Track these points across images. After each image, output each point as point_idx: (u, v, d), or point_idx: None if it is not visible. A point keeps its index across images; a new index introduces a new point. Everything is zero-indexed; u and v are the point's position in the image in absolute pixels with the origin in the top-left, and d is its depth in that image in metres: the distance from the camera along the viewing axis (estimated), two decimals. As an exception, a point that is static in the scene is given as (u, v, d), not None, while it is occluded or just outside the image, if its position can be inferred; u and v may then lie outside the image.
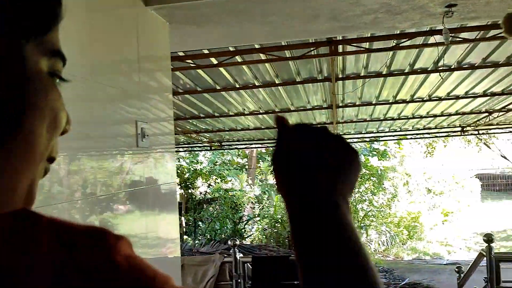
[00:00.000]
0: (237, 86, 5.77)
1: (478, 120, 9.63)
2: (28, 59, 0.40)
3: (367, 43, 4.03)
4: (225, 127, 9.30)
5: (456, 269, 4.68)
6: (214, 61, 4.35)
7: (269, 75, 5.41)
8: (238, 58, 4.31)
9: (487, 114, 8.68)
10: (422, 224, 16.81)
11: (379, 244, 13.57)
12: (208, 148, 12.39)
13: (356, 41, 3.92)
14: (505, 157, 15.40)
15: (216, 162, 14.58)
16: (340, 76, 5.56)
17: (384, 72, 5.45)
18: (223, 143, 11.81)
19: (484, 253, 3.60)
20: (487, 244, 3.58)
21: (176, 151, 13.26)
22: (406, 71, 5.41)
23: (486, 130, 11.85)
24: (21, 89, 0.40)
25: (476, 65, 5.24)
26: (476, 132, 11.53)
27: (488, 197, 25.05)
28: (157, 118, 2.60)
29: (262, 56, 4.19)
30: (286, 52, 4.21)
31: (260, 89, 6.10)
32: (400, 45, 3.89)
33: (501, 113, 8.54)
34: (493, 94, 6.88)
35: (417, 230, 16.09)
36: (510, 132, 12.64)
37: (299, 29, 3.05)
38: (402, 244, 14.64)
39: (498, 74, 5.79)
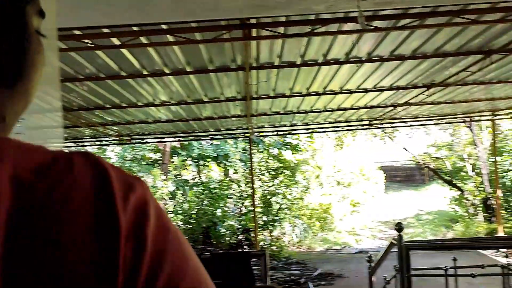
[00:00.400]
0: (145, 73, 5.34)
1: (384, 114, 10.09)
2: (28, 20, 0.49)
3: (282, 28, 3.86)
4: (135, 119, 8.73)
5: (367, 258, 4.69)
6: (116, 41, 3.90)
7: (180, 62, 5.05)
8: (144, 40, 3.91)
9: (392, 108, 9.10)
10: (332, 215, 17.44)
11: (292, 237, 13.78)
12: (117, 142, 11.64)
13: (271, 26, 3.73)
14: (406, 149, 16.48)
15: (126, 157, 13.79)
16: (254, 65, 5.37)
17: (298, 62, 5.36)
18: (133, 137, 11.15)
19: (395, 242, 3.61)
20: (398, 233, 3.58)
21: (81, 146, 12.29)
22: (319, 61, 5.37)
23: (390, 124, 12.52)
24: (26, 45, 0.49)
25: (384, 57, 5.35)
26: (382, 126, 12.13)
27: (390, 188, 26.82)
28: (39, 109, 2.16)
29: (171, 38, 3.84)
30: (196, 35, 3.90)
31: (172, 78, 5.73)
32: (315, 31, 3.76)
33: (404, 107, 9.00)
34: (399, 88, 7.17)
35: (328, 221, 16.66)
36: (412, 125, 13.50)
37: (209, 5, 2.76)
38: (314, 235, 15.04)
39: (404, 68, 5.99)
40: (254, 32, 3.89)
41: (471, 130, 13.74)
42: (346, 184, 20.67)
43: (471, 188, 13.88)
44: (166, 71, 5.30)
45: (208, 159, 13.27)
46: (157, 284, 0.42)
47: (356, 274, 9.62)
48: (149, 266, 0.42)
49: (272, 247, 12.28)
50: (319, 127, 11.79)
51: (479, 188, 13.66)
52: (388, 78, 6.53)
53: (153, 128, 10.07)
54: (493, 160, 12.14)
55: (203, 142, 13.39)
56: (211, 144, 13.49)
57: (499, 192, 11.74)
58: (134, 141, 11.65)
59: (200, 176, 14.57)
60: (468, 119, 12.66)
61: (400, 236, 3.57)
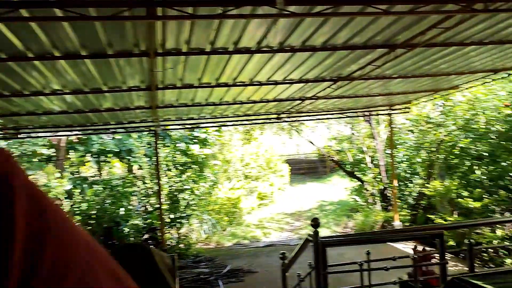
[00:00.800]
0: (30, 55, 4.61)
1: (291, 108, 10.15)
2: None
3: (191, 8, 3.48)
4: (22, 110, 7.71)
5: (281, 256, 4.51)
6: (-12, 14, 3.22)
7: (73, 44, 4.42)
8: (25, 13, 3.29)
9: (300, 101, 9.15)
10: (241, 209, 17.43)
11: (200, 233, 13.44)
12: (1, 136, 10.29)
13: (178, 5, 3.34)
14: (312, 143, 16.96)
15: (13, 153, 12.31)
16: (160, 51, 4.91)
17: (207, 50, 5.02)
18: (21, 130, 9.93)
19: (311, 238, 3.45)
20: (314, 229, 3.43)
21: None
22: (230, 49, 5.08)
23: (297, 117, 12.70)
24: None
25: (296, 47, 5.22)
26: (289, 119, 12.24)
27: (295, 180, 27.66)
28: None
29: (59, 13, 3.26)
30: (91, 10, 3.37)
31: (63, 63, 5.04)
32: (227, 13, 3.45)
33: (311, 100, 9.10)
34: (308, 81, 7.17)
35: (236, 216, 16.59)
36: (318, 119, 13.87)
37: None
38: (223, 230, 14.85)
39: (314, 60, 5.95)
40: (159, 11, 3.46)
41: (370, 124, 14.50)
42: (254, 178, 20.84)
43: (370, 179, 14.67)
44: (56, 54, 4.63)
45: (109, 155, 12.35)
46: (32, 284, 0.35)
47: (265, 268, 9.58)
48: (22, 254, 0.35)
49: (180, 245, 11.82)
50: (228, 121, 11.56)
51: (377, 179, 14.49)
52: (298, 70, 6.46)
53: (45, 120, 9.05)
54: (389, 152, 12.92)
55: (104, 136, 12.43)
56: (113, 138, 12.58)
57: (395, 183, 12.53)
58: (22, 136, 10.40)
59: (101, 173, 13.55)
60: (367, 113, 13.33)
61: (316, 232, 3.42)
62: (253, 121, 12.55)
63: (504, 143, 9.04)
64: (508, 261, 8.35)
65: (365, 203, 14.84)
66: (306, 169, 32.30)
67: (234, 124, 13.44)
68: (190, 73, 6.12)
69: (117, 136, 12.52)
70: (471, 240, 3.53)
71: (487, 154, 9.83)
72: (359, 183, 15.57)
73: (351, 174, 16.13)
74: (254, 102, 8.79)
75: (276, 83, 7.15)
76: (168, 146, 12.64)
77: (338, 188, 22.34)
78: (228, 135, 19.83)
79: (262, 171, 21.41)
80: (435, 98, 10.81)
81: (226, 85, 6.95)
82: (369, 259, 3.54)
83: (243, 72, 6.29)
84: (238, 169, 20.14)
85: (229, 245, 13.39)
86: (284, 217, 18.12)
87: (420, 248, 5.97)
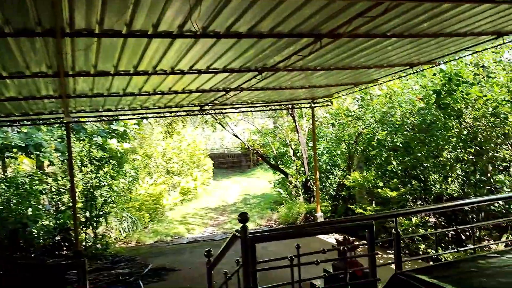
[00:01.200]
0: None
1: (215, 99, 9.86)
2: None
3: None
4: None
5: (205, 253, 4.23)
6: None
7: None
8: None
9: (224, 92, 8.90)
10: (163, 205, 16.85)
11: (120, 231, 12.72)
12: None
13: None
14: (236, 136, 16.81)
15: None
16: (68, 31, 4.37)
17: (123, 32, 4.57)
18: None
19: (238, 234, 3.22)
20: (241, 224, 3.20)
21: None
22: (149, 33, 4.67)
23: (221, 110, 12.44)
24: None
25: (220, 33, 4.94)
26: (213, 112, 11.94)
27: (219, 175, 27.48)
28: None
29: None
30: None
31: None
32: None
33: (236, 92, 8.88)
34: (232, 71, 6.92)
35: (158, 212, 15.99)
36: (242, 111, 13.72)
37: None
38: (144, 228, 14.22)
39: (239, 48, 5.70)
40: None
41: (293, 117, 14.65)
42: (177, 173, 20.30)
43: (293, 171, 14.85)
44: None
45: (14, 150, 11.19)
46: None
47: (189, 266, 9.25)
48: None
49: (96, 246, 11.07)
50: (149, 113, 10.98)
51: (300, 171, 14.70)
52: (222, 59, 6.19)
53: None
54: (312, 145, 13.14)
55: (7, 129, 11.24)
56: (19, 132, 11.43)
57: (317, 175, 12.77)
58: None
59: (4, 171, 12.28)
60: (290, 106, 13.44)
61: (244, 228, 3.19)
62: (175, 113, 12.08)
63: (418, 135, 9.50)
64: (422, 246, 8.80)
65: (289, 196, 15.00)
66: (230, 163, 32.29)
67: (154, 116, 12.88)
68: (104, 59, 5.60)
69: (24, 130, 11.40)
70: (398, 230, 3.51)
71: (402, 146, 10.30)
72: (283, 176, 15.73)
73: (275, 167, 16.24)
74: (176, 92, 8.38)
75: (199, 72, 6.82)
76: (83, 140, 11.75)
77: (262, 181, 22.51)
78: (149, 128, 19.06)
79: (185, 166, 20.92)
80: (355, 91, 11.13)
81: (145, 73, 6.48)
82: (299, 253, 3.39)
83: (164, 60, 5.88)
84: (160, 164, 19.47)
85: (150, 243, 12.82)
86: (208, 212, 17.83)
87: (340, 238, 6.03)
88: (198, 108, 11.00)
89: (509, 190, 7.82)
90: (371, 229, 3.36)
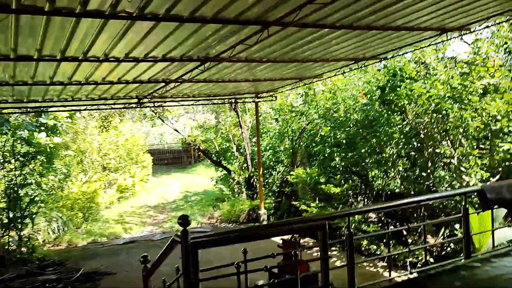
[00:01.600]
0: None
1: (154, 91, 9.30)
2: None
3: None
4: None
5: (141, 259, 3.79)
6: None
7: None
8: None
9: (164, 84, 8.38)
10: (98, 204, 15.90)
11: (48, 233, 11.76)
12: None
13: None
14: (177, 131, 16.22)
15: None
16: (-23, 4, 3.73)
17: (46, 9, 3.98)
18: None
19: (178, 239, 2.83)
20: (182, 228, 2.81)
21: None
22: (77, 11, 4.11)
23: (161, 103, 11.84)
24: None
25: (160, 16, 4.48)
26: (152, 105, 11.33)
27: (159, 171, 26.59)
28: None
29: None
30: None
31: None
32: None
33: (176, 84, 8.39)
34: (173, 60, 6.45)
35: (92, 211, 15.04)
36: (183, 105, 13.15)
37: None
38: (77, 228, 13.29)
39: (180, 34, 5.25)
40: None
41: (236, 112, 14.32)
42: (113, 169, 19.31)
43: (236, 168, 14.55)
44: None
45: None
46: None
47: (126, 268, 8.66)
48: None
49: (21, 249, 10.12)
50: (81, 105, 10.18)
51: (243, 168, 14.43)
52: (162, 46, 5.70)
53: None
54: (255, 140, 12.90)
55: None
56: None
57: (261, 171, 12.55)
58: None
59: None
60: (233, 100, 13.11)
61: (185, 232, 2.80)
62: (111, 106, 11.32)
63: (361, 131, 9.52)
64: (364, 243, 8.82)
65: (231, 192, 14.69)
66: (170, 159, 31.40)
67: (88, 109, 12.01)
68: (25, 41, 4.93)
69: None
70: (351, 230, 3.29)
71: (345, 142, 10.31)
72: (225, 172, 15.38)
73: (217, 163, 15.84)
74: (111, 83, 7.75)
75: (136, 60, 6.27)
76: (6, 134, 10.68)
77: (203, 178, 22.02)
78: (83, 122, 17.92)
79: (122, 162, 19.95)
80: (300, 86, 11.00)
81: (75, 59, 5.85)
82: (246, 259, 3.05)
83: (96, 44, 5.30)
84: (95, 160, 18.39)
85: (83, 245, 11.98)
86: (147, 210, 17.09)
87: (286, 237, 5.80)
88: (136, 100, 10.35)
89: (447, 185, 8.00)
90: (324, 230, 3.10)
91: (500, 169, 6.96)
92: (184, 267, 2.85)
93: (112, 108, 12.80)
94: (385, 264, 8.16)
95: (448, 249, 7.66)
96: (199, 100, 11.98)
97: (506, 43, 7.46)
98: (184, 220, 2.82)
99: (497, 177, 7.05)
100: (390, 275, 3.87)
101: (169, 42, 5.53)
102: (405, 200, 3.81)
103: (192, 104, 14.20)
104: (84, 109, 12.02)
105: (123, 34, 5.00)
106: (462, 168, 7.18)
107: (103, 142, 18.80)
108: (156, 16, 4.49)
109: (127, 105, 11.26)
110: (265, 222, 12.33)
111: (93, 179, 16.83)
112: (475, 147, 7.30)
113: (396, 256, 7.86)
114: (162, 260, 3.49)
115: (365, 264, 8.17)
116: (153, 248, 10.30)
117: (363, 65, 8.67)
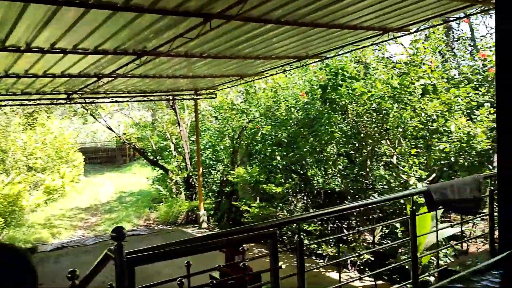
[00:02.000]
0: None
1: (86, 87, 8.65)
2: None
3: None
4: None
5: (69, 275, 3.31)
6: None
7: None
8: None
9: (96, 79, 7.78)
10: (22, 207, 14.67)
11: (-37, 242, 10.62)
12: None
13: None
14: (110, 128, 15.38)
15: None
16: None
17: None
18: None
19: (112, 254, 2.47)
20: (116, 242, 2.45)
21: None
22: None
23: (93, 99, 11.10)
24: None
25: (90, 2, 4.02)
26: (83, 101, 10.57)
27: (91, 170, 25.25)
28: None
29: None
30: None
31: None
32: None
33: (110, 79, 7.83)
34: (106, 53, 5.95)
35: (16, 215, 13.84)
36: (117, 101, 12.44)
37: None
38: (-3, 235, 12.15)
39: (114, 24, 4.80)
40: None
41: (174, 109, 13.81)
42: (40, 170, 17.96)
43: (174, 167, 14.05)
44: None
45: None
46: None
47: (52, 279, 7.94)
48: None
49: None
50: (1, 99, 9.25)
51: (181, 167, 13.96)
52: (94, 36, 5.21)
53: None
54: (194, 139, 12.50)
55: None
56: None
57: (200, 170, 12.19)
58: None
59: None
60: (171, 97, 12.62)
61: (120, 247, 2.44)
62: (36, 101, 10.41)
63: (302, 130, 9.47)
64: (305, 241, 8.76)
65: (169, 193, 14.17)
66: (104, 158, 29.98)
67: (9, 105, 10.97)
68: None
69: None
70: (301, 236, 3.09)
71: (286, 141, 10.23)
72: (163, 171, 14.82)
73: (154, 163, 15.22)
74: (36, 76, 7.07)
75: (64, 52, 5.72)
76: None
77: (139, 177, 21.16)
78: (5, 119, 16.49)
79: (50, 162, 18.61)
80: (241, 83, 10.77)
81: (-10, 48, 5.20)
82: (189, 273, 2.75)
83: (15, 31, 4.71)
84: (19, 159, 16.99)
85: (5, 253, 10.93)
86: (78, 213, 16.05)
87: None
88: (65, 96, 9.59)
89: (384, 184, 8.14)
90: (274, 238, 2.87)
91: (436, 168, 7.16)
92: (117, 285, 2.50)
93: (37, 104, 11.80)
94: (326, 263, 8.16)
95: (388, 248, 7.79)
96: (134, 97, 11.38)
97: (440, 45, 7.71)
98: (118, 234, 2.45)
99: (433, 176, 7.25)
100: (340, 279, 3.74)
101: (101, 32, 5.05)
102: (355, 204, 3.70)
103: (127, 101, 13.51)
104: (4, 105, 10.97)
105: (47, 22, 4.47)
106: (401, 167, 7.31)
107: (29, 141, 17.42)
108: (86, 2, 4.03)
109: (54, 101, 10.43)
110: (204, 224, 12.00)
111: (16, 180, 15.50)
112: (413, 146, 7.48)
113: (337, 255, 7.87)
114: (92, 278, 3.07)
115: (307, 264, 8.11)
116: (85, 254, 9.60)
117: (305, 64, 8.60)
